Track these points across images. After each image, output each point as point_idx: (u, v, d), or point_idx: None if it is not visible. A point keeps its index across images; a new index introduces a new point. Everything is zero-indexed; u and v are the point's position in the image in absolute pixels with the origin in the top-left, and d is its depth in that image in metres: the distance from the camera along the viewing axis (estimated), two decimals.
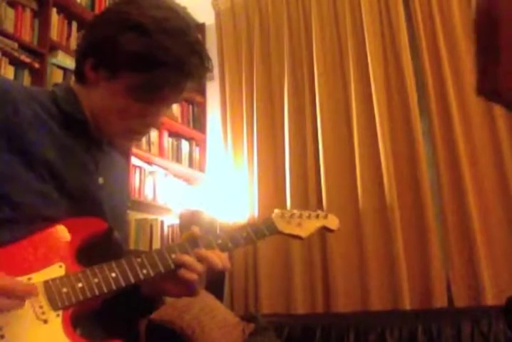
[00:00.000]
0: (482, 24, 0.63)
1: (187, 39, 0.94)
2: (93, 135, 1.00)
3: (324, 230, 1.20)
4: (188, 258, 0.92)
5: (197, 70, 0.97)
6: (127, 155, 2.89)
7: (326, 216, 1.19)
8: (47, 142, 0.92)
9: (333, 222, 1.20)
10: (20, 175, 0.88)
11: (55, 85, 1.08)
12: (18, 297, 0.78)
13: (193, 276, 0.92)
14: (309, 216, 1.16)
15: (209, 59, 1.00)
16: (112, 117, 0.98)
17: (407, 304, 2.63)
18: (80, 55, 0.99)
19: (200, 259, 0.93)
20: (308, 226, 1.15)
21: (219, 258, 0.94)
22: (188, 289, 0.95)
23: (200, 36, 1.01)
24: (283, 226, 1.11)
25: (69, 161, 0.95)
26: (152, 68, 0.93)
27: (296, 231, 1.12)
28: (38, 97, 0.97)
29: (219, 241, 0.99)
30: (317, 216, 1.18)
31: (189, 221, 3.01)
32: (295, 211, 1.15)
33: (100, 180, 1.01)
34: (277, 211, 1.13)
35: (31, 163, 0.89)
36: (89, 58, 0.96)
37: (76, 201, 0.94)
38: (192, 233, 0.98)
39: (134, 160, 3.06)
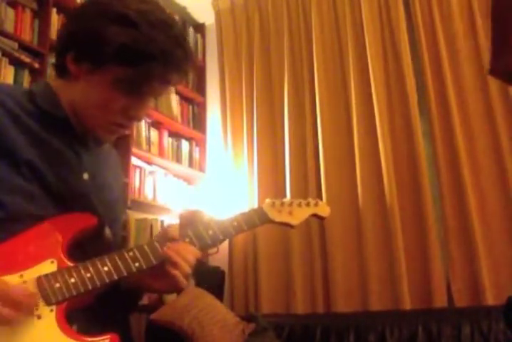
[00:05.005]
0: (497, 10, 0.64)
1: (172, 32, 0.93)
2: (75, 131, 0.98)
3: (315, 217, 1.21)
4: (173, 255, 0.92)
5: (183, 62, 0.96)
6: (125, 153, 2.89)
7: (316, 204, 1.19)
8: (26, 140, 0.91)
9: (324, 210, 1.20)
10: (2, 175, 0.88)
11: (34, 83, 1.07)
12: (23, 310, 0.79)
13: (177, 272, 0.92)
14: (299, 205, 1.16)
15: (192, 52, 1.00)
16: (94, 110, 0.96)
17: (407, 304, 2.62)
18: (61, 48, 0.96)
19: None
20: (299, 214, 1.15)
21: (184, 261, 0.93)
22: (171, 284, 0.95)
23: (183, 28, 1.01)
24: (274, 215, 1.11)
25: (50, 159, 0.94)
26: (140, 60, 0.90)
27: (287, 220, 1.13)
28: (13, 96, 0.95)
29: (210, 232, 1.00)
30: (308, 204, 1.18)
31: (189, 221, 3.01)
32: (286, 200, 1.15)
33: (85, 176, 0.99)
34: (268, 200, 1.13)
35: (12, 163, 0.89)
36: (71, 50, 0.94)
37: (62, 199, 0.94)
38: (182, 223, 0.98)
39: (134, 160, 3.05)
